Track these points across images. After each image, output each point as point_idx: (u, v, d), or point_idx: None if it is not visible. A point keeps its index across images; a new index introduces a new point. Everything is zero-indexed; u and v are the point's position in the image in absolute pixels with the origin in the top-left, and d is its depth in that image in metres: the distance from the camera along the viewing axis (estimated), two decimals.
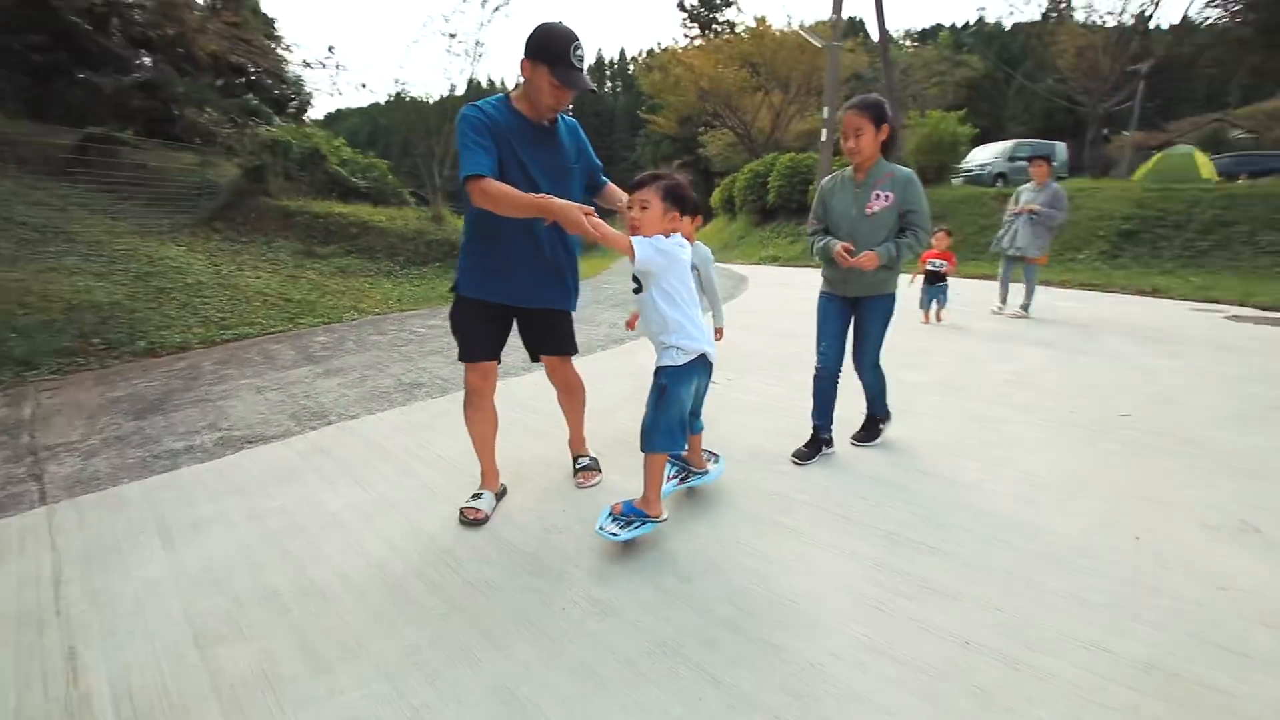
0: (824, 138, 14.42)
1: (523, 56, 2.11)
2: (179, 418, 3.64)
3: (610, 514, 2.20)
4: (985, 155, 19.06)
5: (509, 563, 2.18)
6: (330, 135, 12.41)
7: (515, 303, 2.39)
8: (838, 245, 2.71)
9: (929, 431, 3.34)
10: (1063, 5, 33.63)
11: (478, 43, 10.92)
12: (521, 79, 2.16)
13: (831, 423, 3.06)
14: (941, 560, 2.13)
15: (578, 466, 2.80)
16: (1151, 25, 19.50)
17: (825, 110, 14.41)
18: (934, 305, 6.37)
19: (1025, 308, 6.69)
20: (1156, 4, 19.26)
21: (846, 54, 23.33)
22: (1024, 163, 19.08)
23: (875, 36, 17.80)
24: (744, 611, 1.87)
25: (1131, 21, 18.85)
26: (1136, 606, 1.87)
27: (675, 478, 2.56)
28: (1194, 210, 11.33)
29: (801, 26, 22.09)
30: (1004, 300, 6.90)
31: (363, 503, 2.62)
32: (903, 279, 3.12)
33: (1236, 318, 6.80)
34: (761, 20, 26.74)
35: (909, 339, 5.50)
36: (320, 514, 2.53)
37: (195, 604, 1.97)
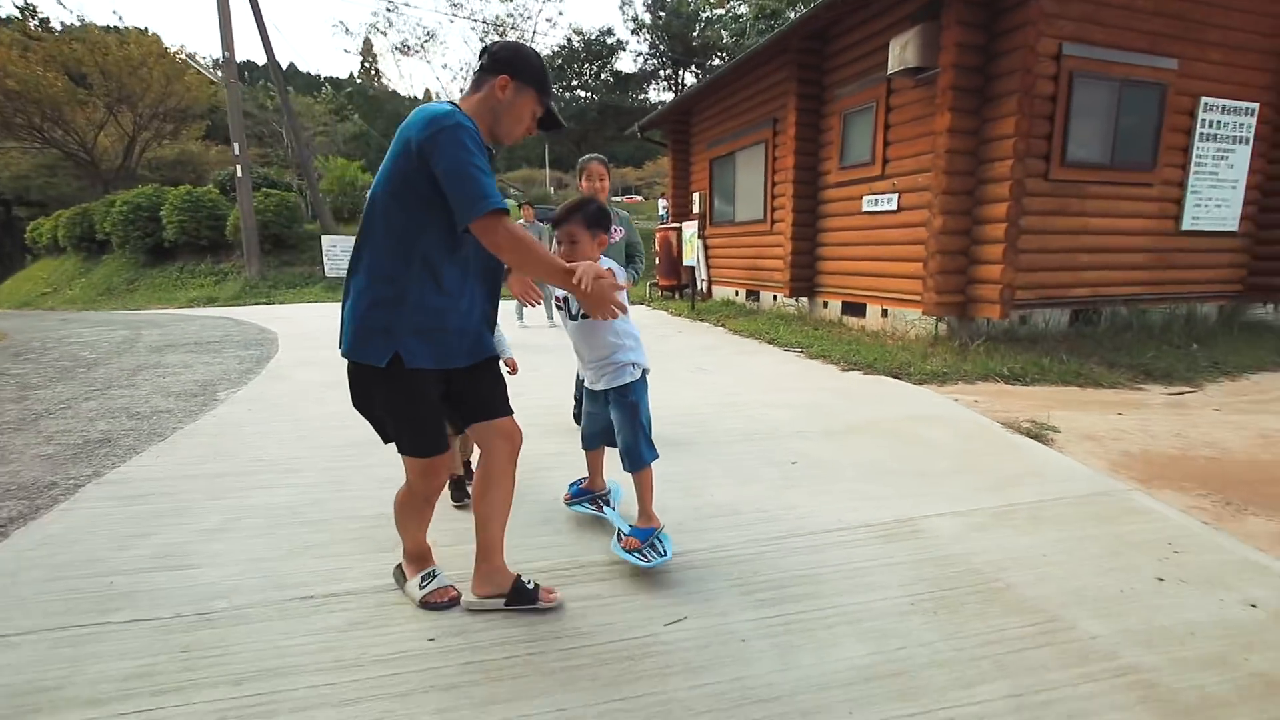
0: (239, 173, 14.09)
1: (502, 73, 1.74)
2: None
3: (626, 550, 2.09)
4: None
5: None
6: None
7: (461, 362, 1.82)
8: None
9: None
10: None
11: None
12: (493, 100, 1.75)
13: None
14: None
15: (527, 586, 1.93)
16: None
17: (236, 146, 14.09)
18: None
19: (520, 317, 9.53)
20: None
21: (210, 86, 21.88)
22: None
23: (252, 76, 17.83)
24: None
25: None
26: (689, 400, 4.74)
27: (596, 505, 2.53)
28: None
29: (190, 56, 19.47)
30: (520, 315, 9.41)
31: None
32: None
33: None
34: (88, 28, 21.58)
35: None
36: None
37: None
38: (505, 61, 1.74)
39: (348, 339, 1.73)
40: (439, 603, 1.92)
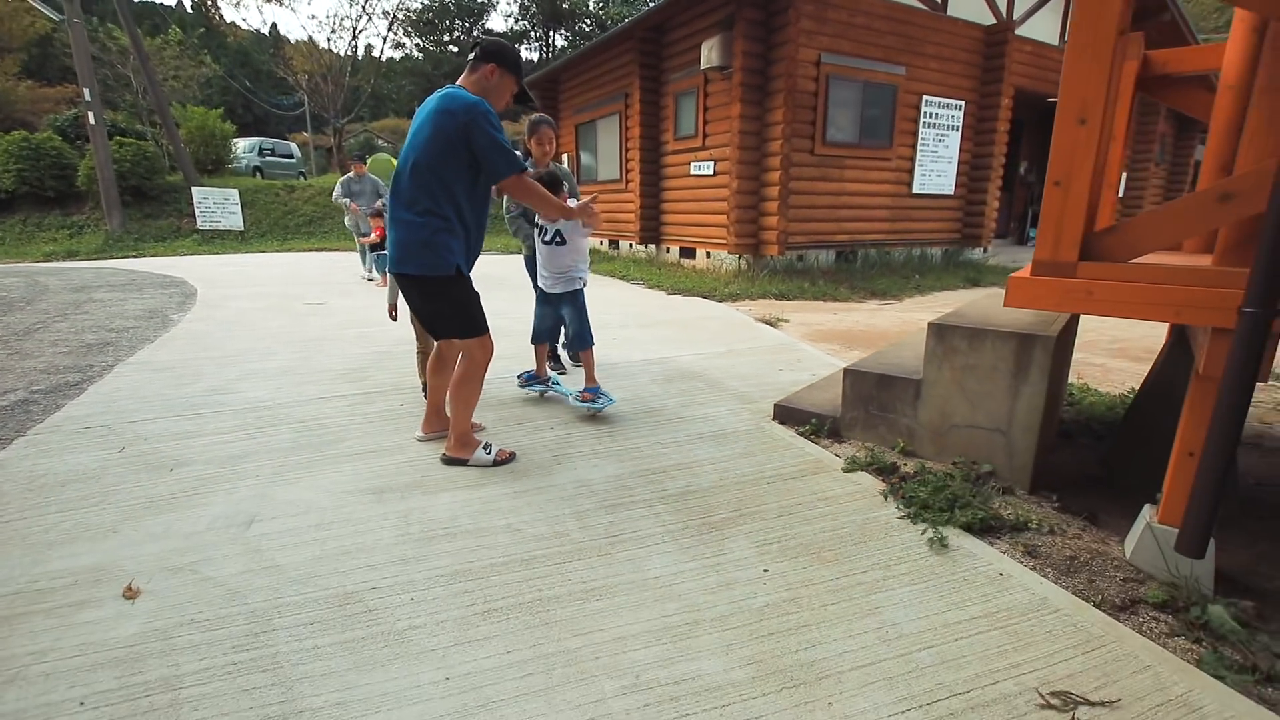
0: (92, 121, 13.59)
1: (491, 64, 2.35)
2: None
3: (582, 401, 3.17)
4: (240, 149, 21.21)
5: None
6: None
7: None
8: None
9: None
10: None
11: None
12: (484, 82, 2.36)
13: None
14: None
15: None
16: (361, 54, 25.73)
17: (86, 92, 13.52)
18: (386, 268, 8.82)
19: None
20: (355, 46, 25.31)
21: (27, 16, 19.58)
22: (271, 157, 22.40)
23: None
24: None
25: (347, 54, 24.56)
26: None
27: (545, 385, 3.52)
28: None
29: None
30: (366, 268, 9.69)
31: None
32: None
33: None
34: None
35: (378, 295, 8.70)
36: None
37: None
38: (493, 54, 2.38)
39: (416, 259, 2.35)
40: (507, 459, 2.66)
